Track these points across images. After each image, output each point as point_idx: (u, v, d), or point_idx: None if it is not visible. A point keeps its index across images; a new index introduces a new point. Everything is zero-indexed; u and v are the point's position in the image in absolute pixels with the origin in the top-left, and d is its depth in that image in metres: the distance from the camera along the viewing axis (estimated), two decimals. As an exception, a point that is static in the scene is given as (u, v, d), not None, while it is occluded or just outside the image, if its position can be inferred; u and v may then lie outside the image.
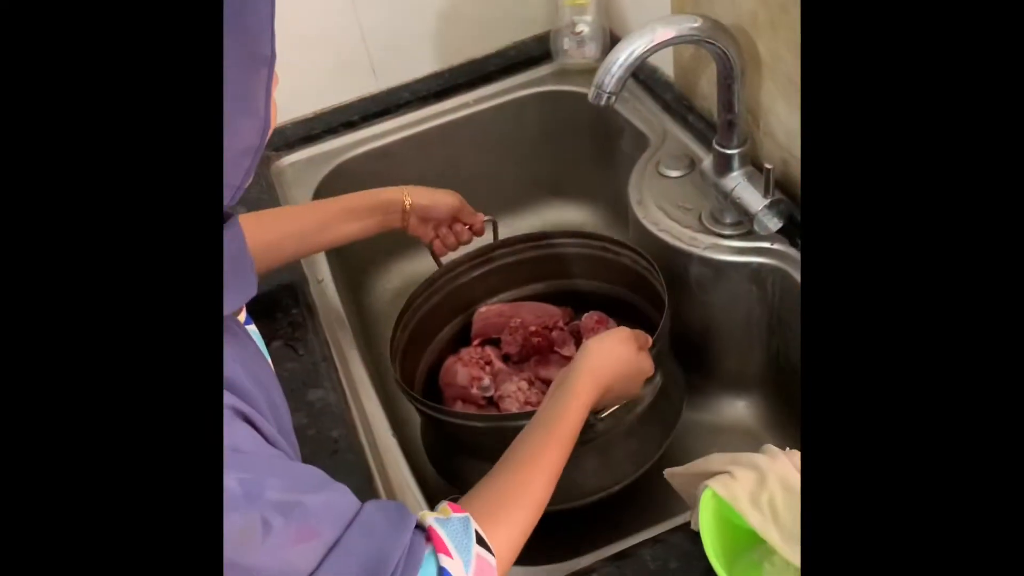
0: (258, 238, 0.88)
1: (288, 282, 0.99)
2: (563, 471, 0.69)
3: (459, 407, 0.99)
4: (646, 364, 0.83)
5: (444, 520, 0.58)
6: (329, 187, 1.16)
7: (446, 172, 1.20)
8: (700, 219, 0.97)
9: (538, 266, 1.07)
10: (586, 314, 1.05)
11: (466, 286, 1.07)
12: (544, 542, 0.89)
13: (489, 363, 1.04)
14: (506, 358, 1.05)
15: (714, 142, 0.92)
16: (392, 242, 1.27)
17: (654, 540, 0.70)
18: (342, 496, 0.55)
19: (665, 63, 1.12)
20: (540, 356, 1.04)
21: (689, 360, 1.01)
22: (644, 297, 1.01)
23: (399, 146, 1.21)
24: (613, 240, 1.01)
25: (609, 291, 1.06)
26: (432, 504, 0.83)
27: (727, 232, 0.94)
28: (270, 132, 0.52)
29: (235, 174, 0.49)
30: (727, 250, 0.94)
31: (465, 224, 1.02)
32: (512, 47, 1.27)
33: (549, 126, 1.24)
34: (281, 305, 0.96)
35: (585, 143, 1.25)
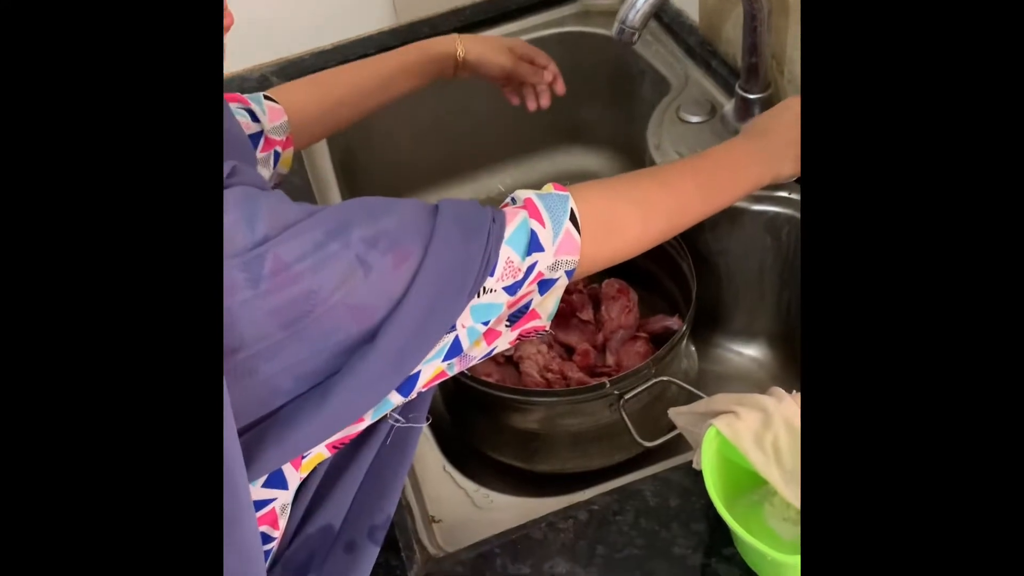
0: (309, 107, 0.88)
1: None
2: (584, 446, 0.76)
3: (480, 364, 0.99)
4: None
5: (543, 195, 0.62)
6: (344, 120, 1.14)
7: (460, 112, 1.19)
8: (718, 166, 0.96)
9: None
10: (606, 281, 1.04)
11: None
12: (539, 486, 0.90)
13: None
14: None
15: (737, 86, 0.90)
16: (410, 175, 1.26)
17: (655, 477, 0.70)
18: (412, 208, 0.58)
19: (690, 6, 1.10)
20: (560, 319, 1.03)
21: (700, 310, 1.01)
22: (665, 271, 1.01)
23: (416, 82, 1.19)
24: None
25: (632, 260, 1.05)
26: (448, 455, 0.85)
27: (745, 179, 0.93)
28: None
29: None
30: (744, 198, 0.92)
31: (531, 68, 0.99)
32: (534, -15, 1.25)
33: (569, 68, 1.21)
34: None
35: (604, 87, 1.23)
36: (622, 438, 0.88)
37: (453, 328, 0.58)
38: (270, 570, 0.61)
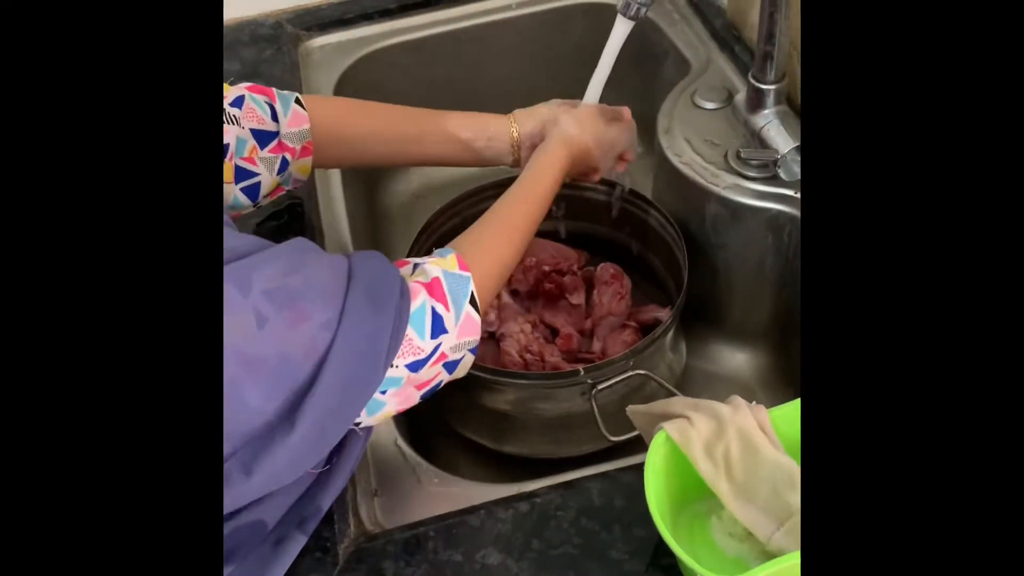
0: (345, 126, 0.85)
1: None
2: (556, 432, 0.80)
3: None
4: (618, 137, 0.89)
5: (450, 274, 0.64)
6: (354, 76, 1.12)
7: (475, 75, 1.15)
8: (726, 157, 0.91)
9: (561, 205, 1.02)
10: (601, 265, 1.00)
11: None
12: (502, 466, 0.88)
13: (497, 296, 1.01)
14: (514, 292, 1.02)
15: (750, 75, 0.85)
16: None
17: (604, 475, 0.67)
18: (325, 267, 0.58)
19: (720, -14, 1.05)
20: (549, 300, 1.01)
21: (694, 305, 0.97)
22: (662, 260, 0.98)
23: (433, 41, 1.16)
24: (645, 199, 0.96)
25: (628, 244, 1.02)
26: (413, 425, 0.83)
27: (751, 174, 0.89)
28: None
29: None
30: (748, 192, 0.88)
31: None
32: (566, -48, 1.20)
33: (590, 41, 1.17)
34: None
35: (626, 63, 1.17)
36: (594, 428, 0.85)
37: None
38: None
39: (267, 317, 0.53)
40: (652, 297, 1.01)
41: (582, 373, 0.82)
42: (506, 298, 1.00)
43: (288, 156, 0.81)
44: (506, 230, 0.75)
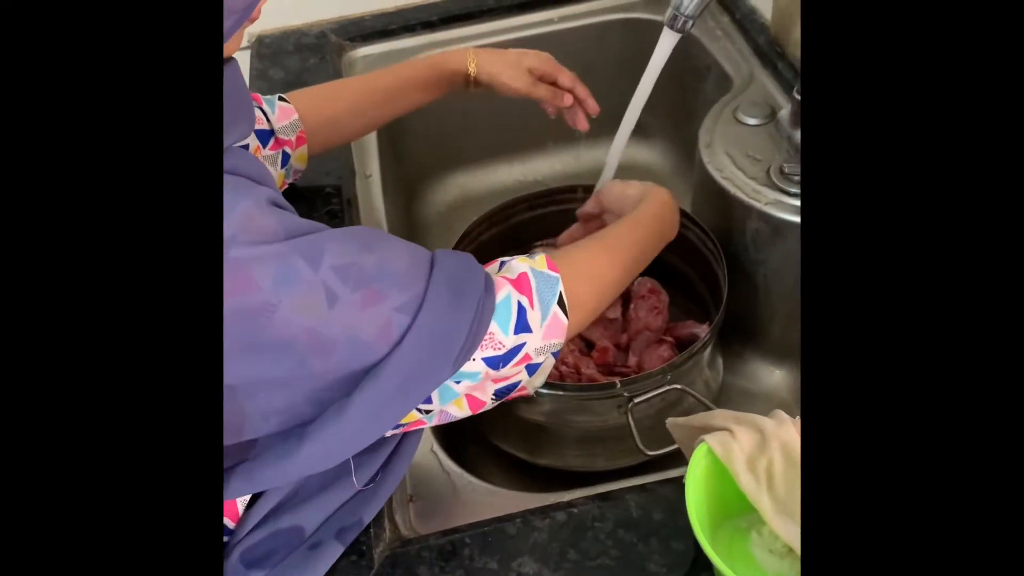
0: (319, 113, 0.87)
1: (334, 170, 0.97)
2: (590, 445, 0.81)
3: None
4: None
5: (538, 271, 0.62)
6: (396, 85, 1.13)
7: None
8: (768, 172, 0.91)
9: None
10: (638, 279, 1.00)
11: (523, 224, 1.03)
12: (536, 479, 0.88)
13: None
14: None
15: (794, 90, 0.85)
16: (457, 151, 1.24)
17: (642, 487, 0.67)
18: (403, 254, 0.56)
19: (764, 4, 1.05)
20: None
21: (731, 321, 0.96)
22: (700, 275, 0.97)
23: (474, 54, 1.16)
24: (684, 214, 0.95)
25: (666, 259, 1.01)
26: (448, 435, 0.83)
27: (794, 190, 0.88)
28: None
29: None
30: (790, 209, 0.87)
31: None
32: (608, -32, 1.21)
33: (631, 56, 1.18)
34: (322, 193, 0.95)
35: (666, 79, 1.18)
36: (629, 442, 0.84)
37: None
38: (226, 557, 0.60)
39: (338, 295, 0.51)
40: (689, 313, 1.00)
41: (618, 386, 0.81)
42: (542, 311, 1.00)
43: (287, 149, 0.84)
44: (605, 249, 0.72)
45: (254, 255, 0.49)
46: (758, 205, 0.89)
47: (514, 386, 0.62)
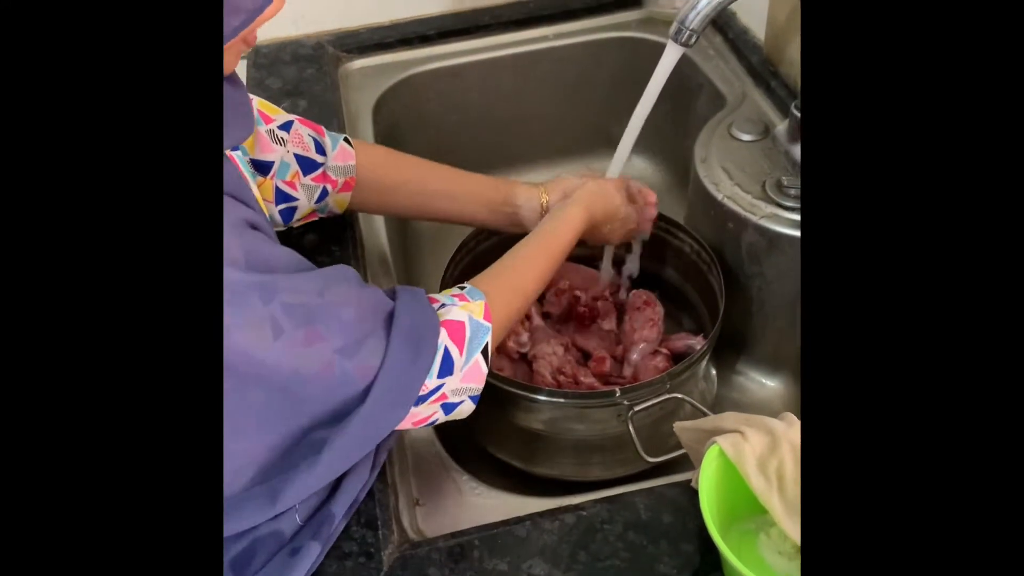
0: (382, 172, 0.87)
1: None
2: (587, 454, 0.83)
3: (493, 357, 0.96)
4: (631, 216, 0.90)
5: (474, 321, 0.66)
6: (392, 98, 1.14)
7: (510, 103, 1.17)
8: (764, 187, 0.92)
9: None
10: (634, 291, 1.01)
11: (518, 237, 1.03)
12: (531, 489, 0.87)
13: (529, 318, 1.02)
14: (546, 315, 1.03)
15: (793, 106, 0.87)
16: (455, 164, 1.24)
17: (650, 490, 0.67)
18: (351, 300, 0.58)
19: (758, 24, 1.07)
20: (581, 324, 1.01)
21: (726, 333, 0.97)
22: (695, 287, 0.98)
23: (470, 69, 1.18)
24: (679, 226, 0.97)
25: (660, 272, 1.03)
26: (445, 442, 0.82)
27: (790, 204, 0.90)
28: (270, 12, 0.54)
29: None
30: (786, 222, 0.89)
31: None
32: (603, -14, 1.23)
33: (626, 74, 1.20)
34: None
35: (660, 96, 1.20)
36: (626, 452, 0.84)
37: None
38: None
39: (283, 329, 0.53)
40: (683, 325, 1.01)
41: (619, 394, 0.82)
42: (538, 320, 1.00)
43: (329, 187, 0.84)
44: (520, 282, 0.75)
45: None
46: (754, 218, 0.90)
47: (432, 423, 0.67)
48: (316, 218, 0.87)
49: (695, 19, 0.77)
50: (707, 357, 0.90)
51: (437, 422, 0.67)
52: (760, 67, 1.05)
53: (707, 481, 0.61)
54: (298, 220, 0.85)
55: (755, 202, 0.91)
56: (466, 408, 0.67)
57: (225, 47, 0.55)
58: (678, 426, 0.68)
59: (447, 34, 1.19)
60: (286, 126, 0.81)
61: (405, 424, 0.64)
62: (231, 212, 0.54)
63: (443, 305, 0.66)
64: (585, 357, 0.97)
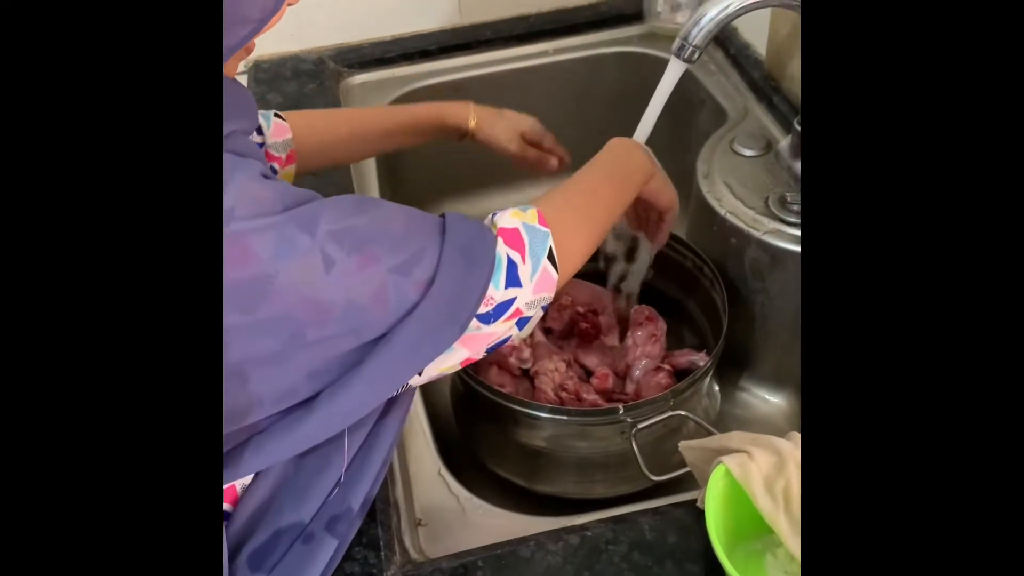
0: (313, 136, 0.88)
1: (332, 194, 0.96)
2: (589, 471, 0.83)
3: (494, 373, 0.97)
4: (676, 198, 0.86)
5: (529, 226, 0.61)
6: (394, 112, 1.13)
7: (513, 118, 1.16)
8: (766, 202, 0.92)
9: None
10: (636, 307, 1.01)
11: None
12: (543, 500, 0.87)
13: (531, 334, 1.01)
14: (548, 331, 1.02)
15: (795, 121, 0.87)
16: (454, 177, 1.25)
17: (655, 511, 0.66)
18: (394, 214, 0.56)
19: (759, 39, 1.07)
20: (583, 340, 1.01)
21: (728, 349, 0.97)
22: (697, 303, 0.98)
23: (471, 83, 1.18)
24: (682, 241, 0.97)
25: (662, 287, 1.02)
26: (447, 459, 0.82)
27: (792, 219, 0.89)
28: (273, 21, 0.54)
29: (229, 36, 0.52)
30: (788, 238, 0.89)
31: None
32: (604, 1, 1.23)
33: (627, 88, 1.20)
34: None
35: (661, 112, 1.21)
36: (629, 469, 0.84)
37: None
38: (233, 559, 0.58)
39: (334, 260, 0.51)
40: (686, 341, 1.01)
41: (622, 411, 0.81)
42: (539, 336, 1.00)
43: (276, 166, 0.85)
44: (590, 203, 0.71)
45: (252, 227, 0.49)
46: (756, 234, 0.90)
47: (504, 342, 0.62)
48: None
49: (698, 35, 0.77)
50: (710, 373, 0.90)
51: (508, 341, 0.62)
52: (762, 82, 1.05)
53: (713, 501, 0.60)
54: None
55: (758, 218, 0.91)
56: (536, 318, 0.63)
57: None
58: (683, 445, 0.68)
59: (448, 49, 1.19)
60: None
61: (477, 347, 0.60)
62: (252, 167, 0.52)
63: (492, 215, 0.63)
64: (587, 374, 0.97)
